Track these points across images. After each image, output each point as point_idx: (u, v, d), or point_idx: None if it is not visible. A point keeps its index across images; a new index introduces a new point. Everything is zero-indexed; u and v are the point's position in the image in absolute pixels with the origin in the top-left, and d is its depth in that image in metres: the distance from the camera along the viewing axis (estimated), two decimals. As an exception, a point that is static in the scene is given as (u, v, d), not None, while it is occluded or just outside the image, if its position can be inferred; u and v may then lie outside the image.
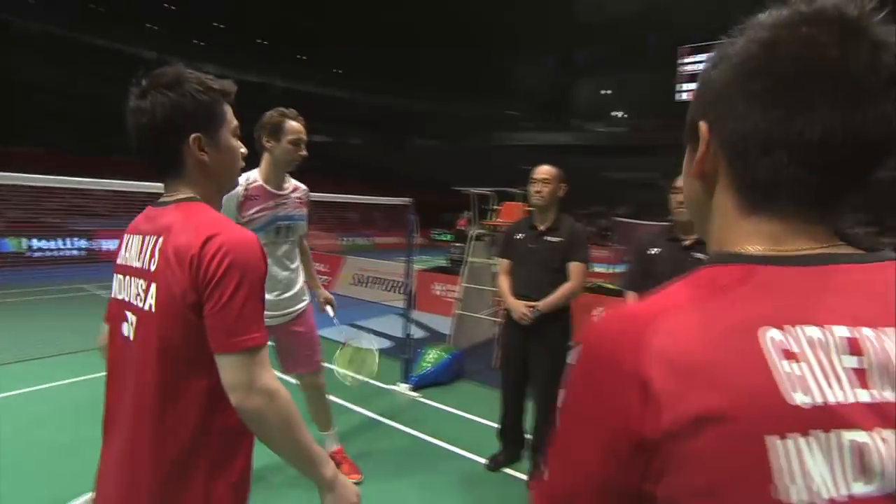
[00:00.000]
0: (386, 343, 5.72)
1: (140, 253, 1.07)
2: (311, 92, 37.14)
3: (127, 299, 1.07)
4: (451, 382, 4.72)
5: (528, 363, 2.96)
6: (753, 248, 0.50)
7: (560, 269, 2.84)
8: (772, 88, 0.47)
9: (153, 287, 1.01)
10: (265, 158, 2.36)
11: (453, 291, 6.70)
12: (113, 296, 1.12)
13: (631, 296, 2.58)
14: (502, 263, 3.06)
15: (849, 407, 0.41)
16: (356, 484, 2.71)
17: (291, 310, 2.52)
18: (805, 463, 0.40)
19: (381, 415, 3.93)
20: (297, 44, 37.29)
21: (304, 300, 2.59)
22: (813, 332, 0.43)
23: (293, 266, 2.53)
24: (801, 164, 0.47)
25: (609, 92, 39.38)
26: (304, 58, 38.23)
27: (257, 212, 2.31)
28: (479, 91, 40.14)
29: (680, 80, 34.41)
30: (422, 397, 4.32)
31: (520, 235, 2.98)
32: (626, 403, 0.45)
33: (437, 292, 7.77)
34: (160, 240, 1.03)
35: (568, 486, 0.50)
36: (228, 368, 0.96)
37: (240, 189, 2.26)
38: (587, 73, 39.31)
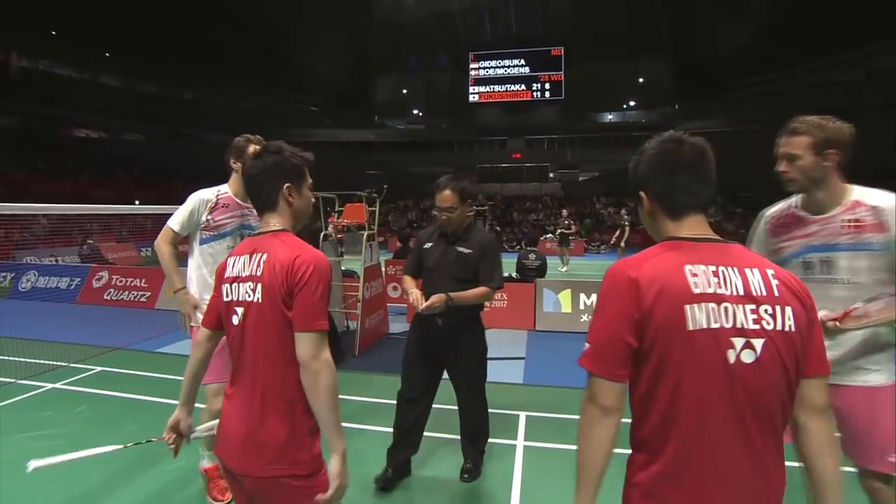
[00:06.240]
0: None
1: (247, 266, 1.52)
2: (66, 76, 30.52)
3: (236, 299, 1.53)
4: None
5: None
6: (677, 234, 1.22)
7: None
8: (672, 169, 1.22)
9: (259, 285, 1.48)
10: (234, 176, 2.77)
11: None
12: (226, 299, 1.56)
13: (408, 280, 3.00)
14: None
15: (718, 295, 1.10)
16: None
17: None
18: (698, 314, 1.08)
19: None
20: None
21: None
22: (701, 266, 1.13)
23: None
24: (691, 197, 1.22)
25: (406, 91, 40.67)
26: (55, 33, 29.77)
27: (227, 218, 2.72)
28: (268, 83, 37.43)
29: (471, 83, 37.84)
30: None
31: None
32: (631, 296, 1.12)
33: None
34: (265, 255, 1.50)
35: (603, 338, 1.15)
36: (305, 342, 1.43)
37: (213, 196, 2.70)
38: (384, 71, 39.96)
